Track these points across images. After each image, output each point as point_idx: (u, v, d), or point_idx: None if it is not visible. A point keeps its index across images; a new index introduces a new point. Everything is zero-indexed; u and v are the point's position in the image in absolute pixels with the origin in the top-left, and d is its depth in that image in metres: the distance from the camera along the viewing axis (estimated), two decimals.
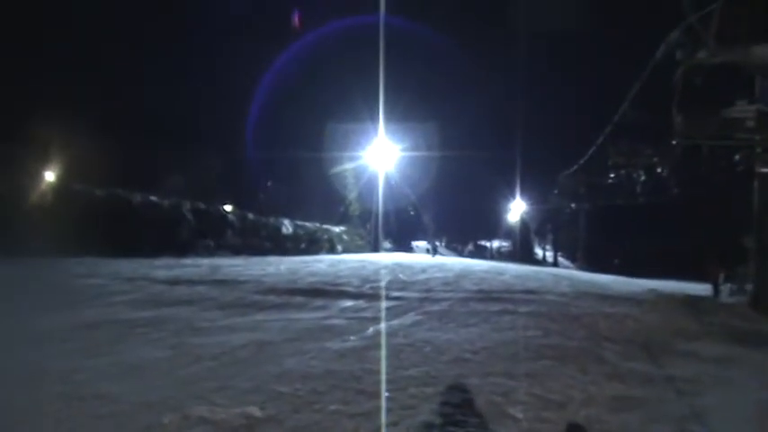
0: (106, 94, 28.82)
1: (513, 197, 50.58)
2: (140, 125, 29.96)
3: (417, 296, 11.10)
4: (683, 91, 12.12)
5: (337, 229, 38.19)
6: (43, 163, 22.29)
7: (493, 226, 57.24)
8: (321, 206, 39.94)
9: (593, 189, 45.83)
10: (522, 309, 9.74)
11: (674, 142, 14.09)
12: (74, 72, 28.10)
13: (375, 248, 34.83)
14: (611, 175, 45.38)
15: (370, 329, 7.35)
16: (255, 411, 4.08)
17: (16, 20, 26.17)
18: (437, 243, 47.92)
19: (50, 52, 28.04)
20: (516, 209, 52.21)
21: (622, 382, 5.33)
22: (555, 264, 50.20)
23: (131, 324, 7.10)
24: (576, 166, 33.08)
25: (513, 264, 31.74)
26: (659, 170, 41.38)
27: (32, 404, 3.95)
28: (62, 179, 21.75)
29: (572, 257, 51.56)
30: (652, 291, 15.22)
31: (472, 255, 46.98)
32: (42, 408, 3.90)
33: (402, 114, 36.12)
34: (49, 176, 21.86)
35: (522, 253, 50.46)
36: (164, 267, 15.17)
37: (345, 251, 35.19)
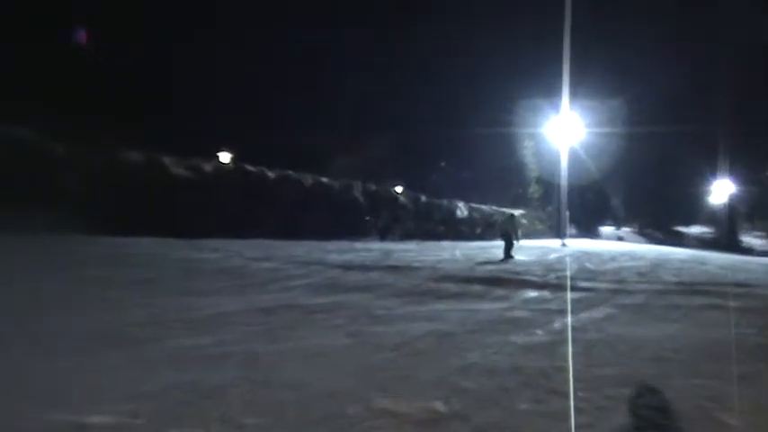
0: (278, 79, 29.31)
1: (716, 177, 43.35)
2: (310, 107, 30.17)
3: (607, 287, 10.27)
4: None
5: (516, 213, 35.66)
6: (218, 144, 23.18)
7: (692, 210, 49.97)
8: (498, 188, 37.79)
9: None
10: (731, 303, 8.55)
11: None
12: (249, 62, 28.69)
13: (558, 234, 32.54)
14: None
15: (558, 323, 6.79)
16: (440, 406, 3.78)
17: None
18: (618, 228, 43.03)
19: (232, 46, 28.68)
20: (721, 190, 44.38)
21: None
22: None
23: (308, 310, 7.16)
24: None
25: (717, 252, 28.40)
26: None
27: (219, 387, 3.98)
28: (236, 160, 22.34)
29: None
30: None
31: (664, 242, 41.31)
32: (229, 391, 3.93)
33: (589, 87, 32.16)
34: (224, 158, 22.63)
35: (727, 241, 43.37)
36: (336, 251, 15.51)
37: (524, 237, 33.05)
